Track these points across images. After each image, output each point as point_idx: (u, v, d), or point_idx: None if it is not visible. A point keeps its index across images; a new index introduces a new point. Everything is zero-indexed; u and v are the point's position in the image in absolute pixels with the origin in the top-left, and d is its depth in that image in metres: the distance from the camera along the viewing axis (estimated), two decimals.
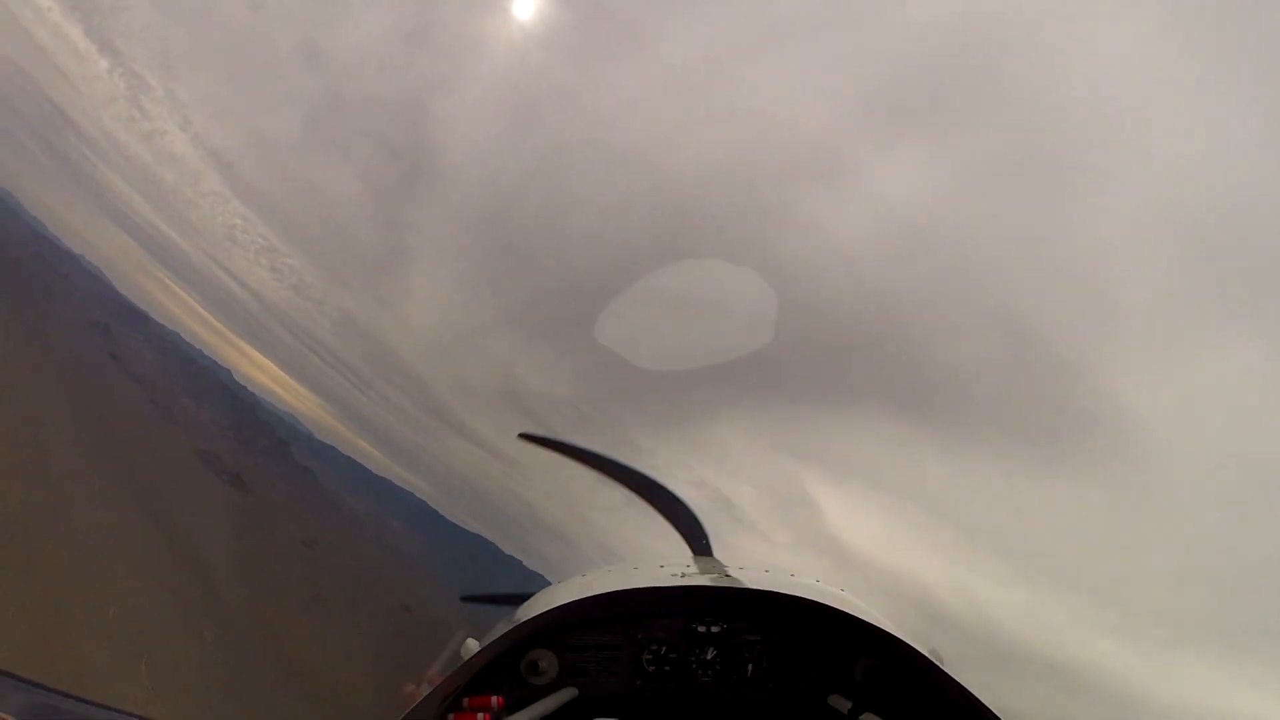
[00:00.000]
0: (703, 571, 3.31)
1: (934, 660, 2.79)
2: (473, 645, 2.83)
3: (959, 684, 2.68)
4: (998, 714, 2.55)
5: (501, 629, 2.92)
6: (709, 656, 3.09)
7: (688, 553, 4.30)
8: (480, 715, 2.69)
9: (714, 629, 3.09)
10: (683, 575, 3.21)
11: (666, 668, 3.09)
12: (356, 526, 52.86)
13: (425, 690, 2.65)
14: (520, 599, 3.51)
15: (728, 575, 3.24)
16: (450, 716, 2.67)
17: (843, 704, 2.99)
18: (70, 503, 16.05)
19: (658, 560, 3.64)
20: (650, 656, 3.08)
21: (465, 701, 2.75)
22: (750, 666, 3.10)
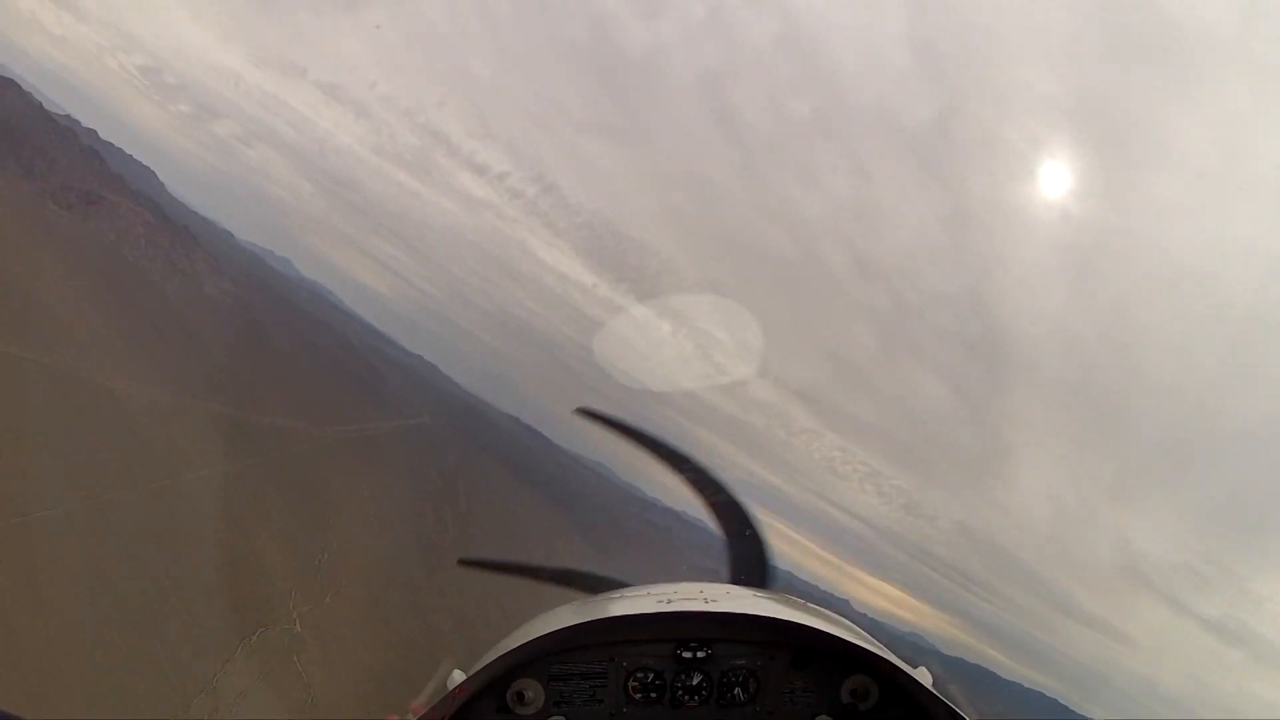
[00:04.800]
0: (689, 597, 3.19)
1: (921, 681, 2.74)
2: (458, 675, 2.77)
3: (946, 703, 2.63)
4: None
5: (488, 658, 2.85)
6: (695, 682, 3.01)
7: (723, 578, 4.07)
8: None
9: (700, 654, 3.00)
10: (669, 601, 3.10)
11: (653, 694, 3.02)
12: None
13: None
14: None
15: (714, 599, 3.15)
16: None
17: None
18: None
19: (647, 587, 3.52)
20: (636, 684, 3.00)
21: None
22: (738, 690, 3.01)
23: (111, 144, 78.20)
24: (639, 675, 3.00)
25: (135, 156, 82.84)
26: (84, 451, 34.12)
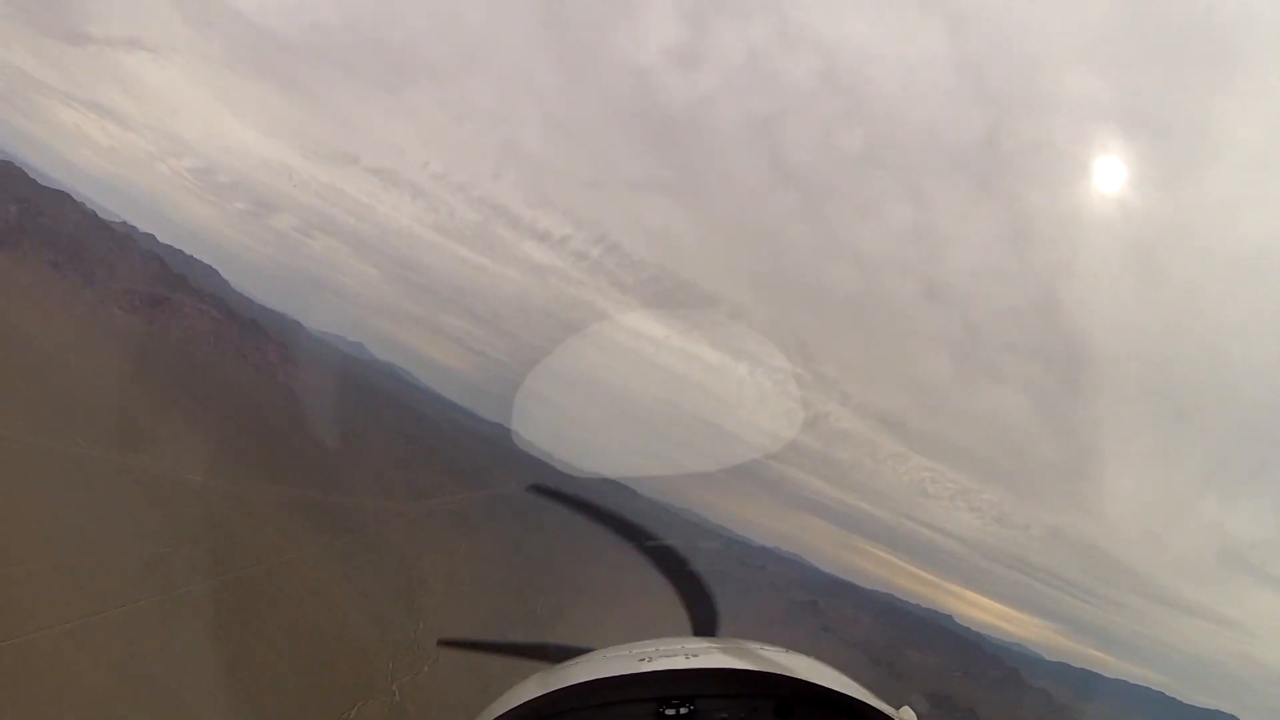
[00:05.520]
0: (670, 653, 3.04)
1: None
2: None
3: None
4: None
5: None
6: None
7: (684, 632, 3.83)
8: None
9: (682, 710, 2.85)
10: (650, 659, 2.93)
11: None
12: None
13: None
14: None
15: (695, 654, 3.04)
16: None
17: None
18: None
19: (628, 646, 3.28)
20: None
21: None
22: None
23: (171, 246, 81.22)
24: None
25: (196, 256, 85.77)
26: (169, 546, 34.08)
